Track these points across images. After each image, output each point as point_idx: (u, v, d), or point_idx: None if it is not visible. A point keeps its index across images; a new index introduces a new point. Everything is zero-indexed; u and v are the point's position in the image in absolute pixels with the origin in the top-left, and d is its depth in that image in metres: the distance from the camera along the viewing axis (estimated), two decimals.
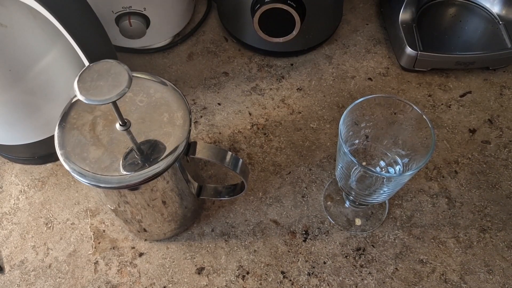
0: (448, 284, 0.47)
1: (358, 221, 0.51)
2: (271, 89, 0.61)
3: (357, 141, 0.47)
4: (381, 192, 0.44)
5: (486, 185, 0.52)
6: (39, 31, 0.45)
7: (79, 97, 0.32)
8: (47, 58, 0.46)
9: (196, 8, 0.69)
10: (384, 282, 0.47)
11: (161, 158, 0.37)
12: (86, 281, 0.48)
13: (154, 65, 0.64)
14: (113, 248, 0.50)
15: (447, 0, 0.64)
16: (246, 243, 0.50)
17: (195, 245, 0.50)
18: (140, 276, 0.48)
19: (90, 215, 0.52)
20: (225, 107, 0.60)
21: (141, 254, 0.50)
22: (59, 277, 0.49)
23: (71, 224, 0.52)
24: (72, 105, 0.40)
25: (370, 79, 0.61)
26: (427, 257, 0.48)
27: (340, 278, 0.47)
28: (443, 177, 0.53)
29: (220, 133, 0.57)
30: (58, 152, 0.38)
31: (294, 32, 0.56)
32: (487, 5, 0.62)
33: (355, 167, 0.41)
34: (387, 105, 0.43)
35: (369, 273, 0.48)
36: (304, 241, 0.50)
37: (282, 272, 0.48)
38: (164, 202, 0.42)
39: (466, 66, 0.59)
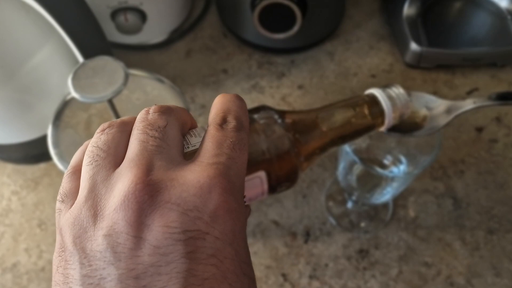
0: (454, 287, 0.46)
1: (361, 222, 0.50)
2: (271, 86, 0.60)
3: (359, 140, 0.46)
4: (384, 192, 0.43)
5: (493, 185, 0.51)
6: (32, 26, 0.44)
7: (74, 94, 0.32)
8: (40, 54, 0.45)
9: (194, 3, 0.68)
10: (388, 285, 0.46)
11: None
12: None
13: (151, 62, 0.63)
14: None
15: None
16: None
17: None
18: None
19: None
20: None
21: None
22: None
23: None
24: (66, 103, 0.40)
25: (373, 76, 0.60)
26: (432, 260, 0.47)
27: (343, 281, 0.46)
28: (449, 176, 0.52)
29: None
30: (52, 152, 0.38)
31: (295, 28, 0.55)
32: None
33: (357, 167, 0.40)
34: None
35: (373, 275, 0.47)
36: (305, 242, 0.49)
37: (283, 275, 0.47)
38: None
39: (473, 62, 0.58)
